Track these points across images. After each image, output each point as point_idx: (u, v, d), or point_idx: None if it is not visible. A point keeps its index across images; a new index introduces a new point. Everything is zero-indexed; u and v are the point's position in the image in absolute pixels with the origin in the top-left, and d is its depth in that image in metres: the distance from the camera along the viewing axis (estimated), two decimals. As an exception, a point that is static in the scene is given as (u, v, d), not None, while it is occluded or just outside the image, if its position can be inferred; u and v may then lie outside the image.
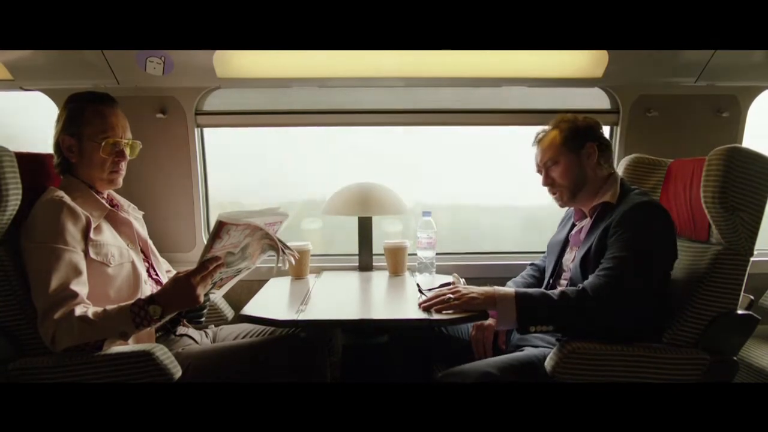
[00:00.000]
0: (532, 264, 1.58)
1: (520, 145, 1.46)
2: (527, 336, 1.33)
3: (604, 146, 1.33)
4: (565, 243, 1.41)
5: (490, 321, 1.37)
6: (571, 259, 1.34)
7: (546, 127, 1.38)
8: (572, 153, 1.32)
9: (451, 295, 1.21)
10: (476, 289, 1.22)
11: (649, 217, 1.18)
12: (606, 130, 1.82)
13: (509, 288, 1.23)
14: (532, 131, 1.41)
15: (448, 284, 1.30)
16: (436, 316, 1.18)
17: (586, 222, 1.33)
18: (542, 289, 1.20)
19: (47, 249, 1.08)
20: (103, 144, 1.20)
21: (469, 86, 1.77)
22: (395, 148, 2.08)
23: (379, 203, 1.67)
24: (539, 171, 1.39)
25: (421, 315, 1.20)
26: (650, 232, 1.17)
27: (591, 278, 1.17)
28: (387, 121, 1.81)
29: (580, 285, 1.17)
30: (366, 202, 1.67)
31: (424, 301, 1.24)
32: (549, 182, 1.36)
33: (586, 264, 1.23)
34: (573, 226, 1.41)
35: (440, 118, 1.81)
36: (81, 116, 1.21)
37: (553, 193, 1.37)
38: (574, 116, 1.35)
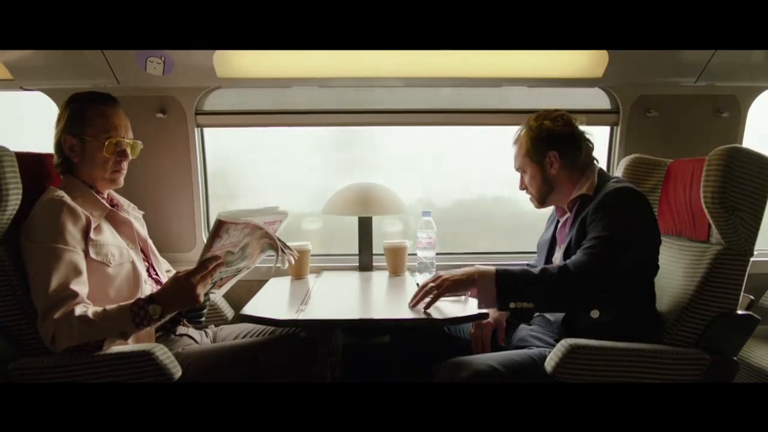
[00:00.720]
0: (528, 265, 1.58)
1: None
2: (527, 337, 1.33)
3: (571, 149, 1.31)
4: (553, 241, 1.41)
5: (489, 320, 1.37)
6: (560, 257, 1.35)
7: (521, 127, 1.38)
8: (536, 163, 1.33)
9: (432, 284, 1.22)
10: (457, 271, 1.22)
11: (626, 200, 1.19)
12: (606, 130, 1.82)
13: (490, 267, 1.22)
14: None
15: None
16: (436, 316, 1.18)
17: (569, 217, 1.34)
18: (524, 267, 1.21)
19: (47, 249, 1.08)
20: (106, 144, 1.21)
21: (469, 86, 1.77)
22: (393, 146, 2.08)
23: (379, 203, 1.67)
24: (517, 171, 1.41)
25: (421, 315, 1.20)
26: (628, 212, 1.18)
27: (573, 256, 1.18)
28: (387, 121, 1.81)
29: (563, 262, 1.18)
30: (366, 202, 1.67)
31: (411, 300, 1.24)
32: (523, 187, 1.39)
33: (569, 255, 1.24)
34: (558, 223, 1.41)
35: (440, 118, 1.81)
36: (83, 116, 1.21)
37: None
38: (542, 119, 1.33)
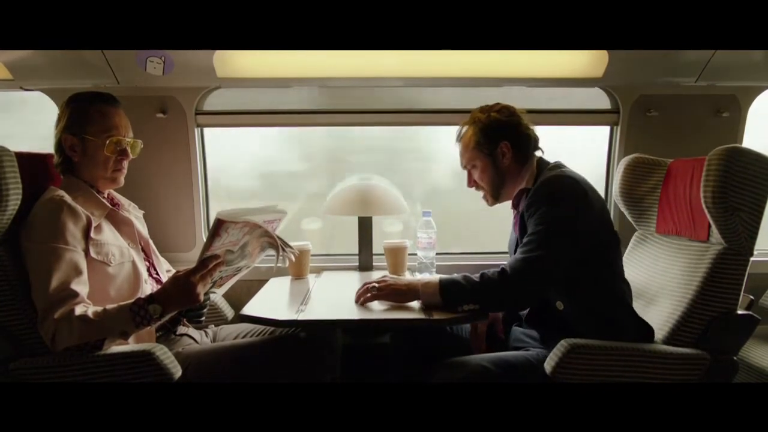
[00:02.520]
0: None
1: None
2: (521, 336, 1.34)
3: (521, 140, 1.31)
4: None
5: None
6: None
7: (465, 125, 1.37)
8: (487, 156, 1.32)
9: (375, 284, 1.24)
10: (402, 281, 1.26)
11: (554, 189, 1.19)
12: (606, 130, 1.82)
13: (434, 276, 1.26)
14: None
15: None
16: (436, 316, 1.18)
17: (516, 214, 1.34)
18: (465, 274, 1.22)
19: (48, 248, 1.08)
20: (106, 143, 1.21)
21: (469, 86, 1.77)
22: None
23: (379, 203, 1.67)
24: (464, 169, 1.40)
25: (421, 315, 1.20)
26: (557, 203, 1.17)
27: (511, 258, 1.20)
28: (387, 121, 1.81)
29: (501, 266, 1.19)
30: (366, 202, 1.67)
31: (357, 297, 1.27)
32: (473, 184, 1.39)
33: None
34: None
35: (440, 118, 1.81)
36: (84, 115, 1.21)
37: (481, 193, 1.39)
38: (488, 112, 1.33)
